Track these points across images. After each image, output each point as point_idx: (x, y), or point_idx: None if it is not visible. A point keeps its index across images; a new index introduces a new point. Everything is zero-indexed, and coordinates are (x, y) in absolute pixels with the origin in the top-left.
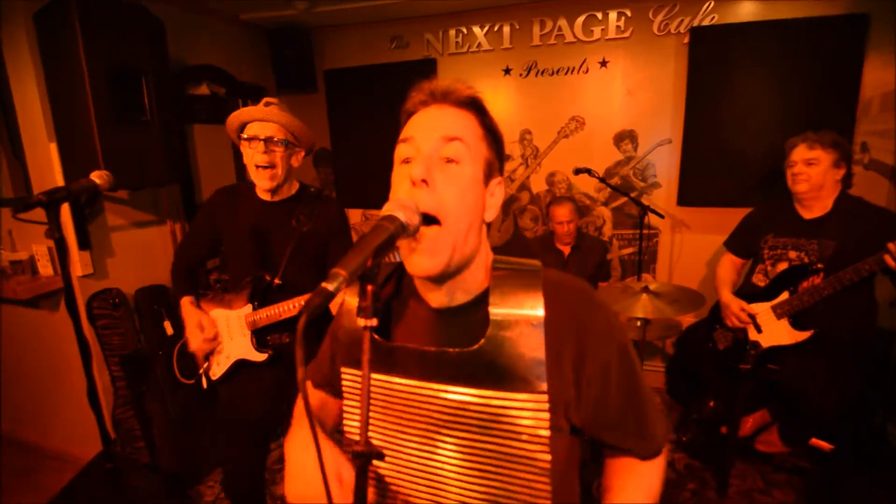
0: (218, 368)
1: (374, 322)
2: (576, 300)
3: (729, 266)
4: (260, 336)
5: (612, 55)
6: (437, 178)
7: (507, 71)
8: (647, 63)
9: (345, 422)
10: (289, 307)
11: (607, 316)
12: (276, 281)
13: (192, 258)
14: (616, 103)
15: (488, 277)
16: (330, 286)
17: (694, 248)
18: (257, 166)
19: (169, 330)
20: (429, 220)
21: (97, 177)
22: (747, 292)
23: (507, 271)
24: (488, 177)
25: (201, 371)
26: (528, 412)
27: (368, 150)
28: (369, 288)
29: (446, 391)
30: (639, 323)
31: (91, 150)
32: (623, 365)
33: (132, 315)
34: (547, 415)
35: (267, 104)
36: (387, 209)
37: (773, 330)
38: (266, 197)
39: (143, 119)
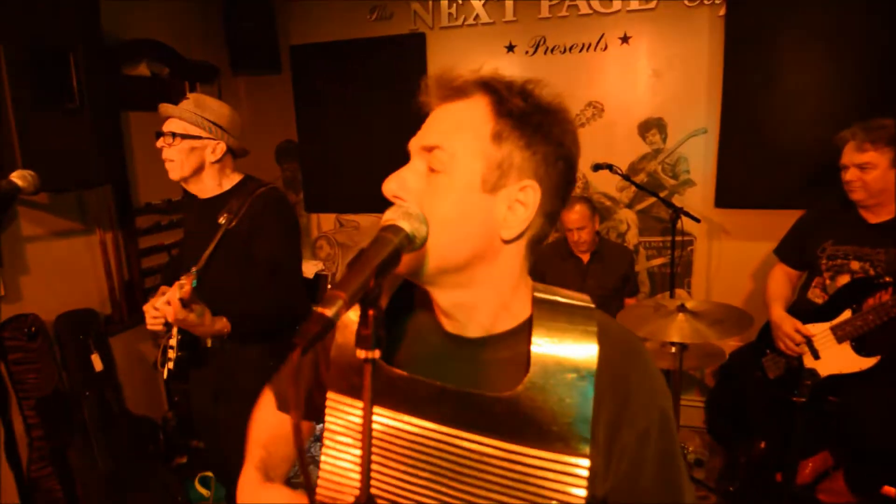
0: (171, 363)
1: (376, 354)
2: (622, 352)
3: (781, 278)
4: (187, 334)
5: (636, 29)
6: (413, 191)
7: (511, 48)
8: (677, 38)
9: (324, 461)
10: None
11: (653, 375)
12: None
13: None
14: (640, 86)
15: (516, 310)
16: (328, 311)
17: (736, 257)
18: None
19: (98, 365)
20: None
21: (18, 178)
22: (802, 310)
23: (552, 304)
24: (498, 184)
25: (160, 362)
26: (563, 476)
27: (343, 143)
28: (371, 313)
29: (464, 438)
30: (673, 349)
31: (7, 145)
32: (663, 436)
33: (52, 347)
34: (584, 483)
35: (182, 100)
36: (389, 217)
37: (834, 355)
38: (199, 195)
39: (71, 106)
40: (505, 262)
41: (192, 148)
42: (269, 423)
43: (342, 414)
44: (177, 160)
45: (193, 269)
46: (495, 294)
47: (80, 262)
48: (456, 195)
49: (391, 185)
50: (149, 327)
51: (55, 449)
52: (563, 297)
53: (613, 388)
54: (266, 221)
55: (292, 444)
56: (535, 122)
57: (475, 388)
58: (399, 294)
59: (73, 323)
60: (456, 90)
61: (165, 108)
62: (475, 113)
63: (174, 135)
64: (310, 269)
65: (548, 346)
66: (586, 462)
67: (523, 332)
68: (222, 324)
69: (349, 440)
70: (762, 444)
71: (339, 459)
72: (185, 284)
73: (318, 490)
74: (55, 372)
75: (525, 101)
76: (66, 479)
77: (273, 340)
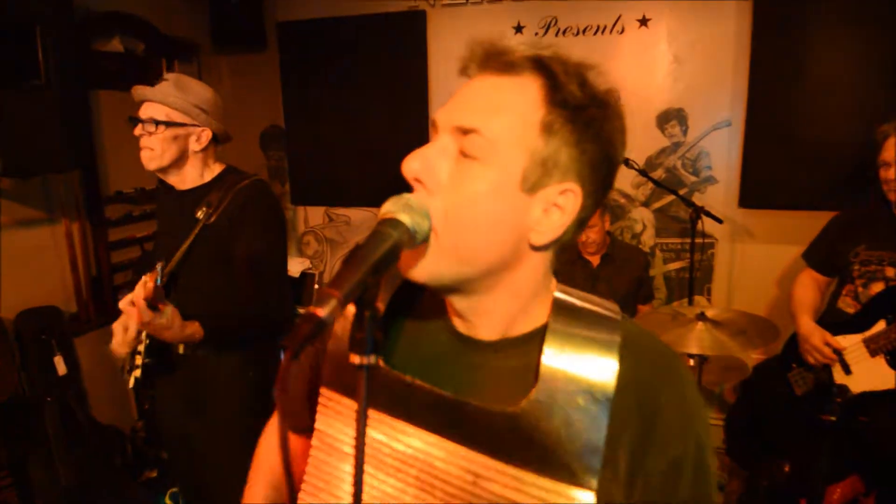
0: (138, 371)
1: (372, 360)
2: (653, 367)
3: (809, 285)
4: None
5: (655, 11)
6: (439, 177)
7: (519, 29)
8: (700, 22)
9: (311, 461)
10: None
11: (689, 396)
12: (159, 280)
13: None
14: (660, 74)
15: (535, 314)
16: (321, 311)
17: (761, 262)
18: (140, 149)
19: (61, 368)
20: None
21: None
22: (832, 320)
23: (572, 310)
24: (538, 184)
25: (128, 368)
26: None
27: (334, 129)
28: (367, 314)
29: (458, 455)
30: (692, 361)
31: None
32: (699, 466)
33: (11, 348)
34: None
35: (160, 81)
36: (387, 210)
37: (866, 370)
38: (177, 186)
39: (36, 83)
40: (529, 268)
41: (176, 136)
42: (276, 449)
43: (333, 413)
44: (157, 149)
45: (158, 266)
46: (515, 300)
47: (44, 255)
48: (491, 190)
49: (413, 165)
50: (114, 349)
51: (14, 460)
52: (587, 302)
53: (640, 408)
54: (248, 217)
55: (302, 466)
56: (589, 116)
57: (479, 397)
58: (405, 285)
59: (34, 321)
60: (505, 64)
61: (142, 90)
62: (525, 96)
63: (157, 122)
64: (296, 267)
65: (559, 359)
66: (591, 498)
67: (537, 339)
68: (193, 328)
69: (338, 443)
70: (786, 467)
71: (325, 464)
72: (148, 282)
73: (302, 489)
74: (14, 375)
75: (582, 90)
76: (25, 493)
77: (253, 347)
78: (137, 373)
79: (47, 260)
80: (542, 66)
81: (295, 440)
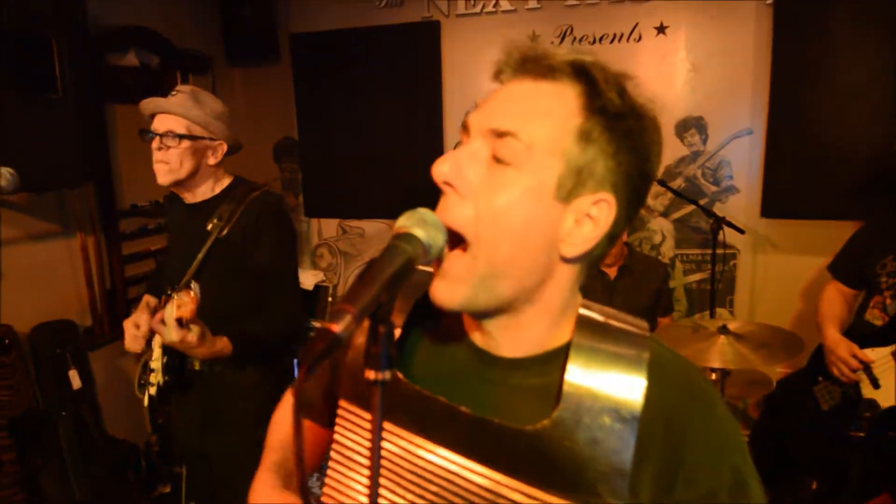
0: (152, 387)
1: (387, 376)
2: (682, 391)
3: (836, 298)
4: (172, 355)
5: (673, 18)
6: (471, 182)
7: (534, 38)
8: (720, 29)
9: (329, 473)
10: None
11: (722, 423)
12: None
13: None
14: (678, 82)
15: (560, 331)
16: (337, 327)
17: (784, 274)
18: (154, 163)
19: (75, 382)
20: (454, 238)
21: None
22: (860, 333)
23: (598, 327)
24: (572, 193)
25: (142, 381)
26: None
27: (348, 141)
28: (381, 330)
29: (478, 473)
30: (714, 375)
31: None
32: (737, 496)
33: (26, 362)
34: None
35: (175, 93)
36: (402, 224)
37: None
38: (187, 199)
39: (53, 97)
40: (558, 281)
41: (195, 149)
42: (289, 424)
43: (351, 426)
44: (174, 162)
45: (194, 284)
46: (543, 315)
47: (59, 269)
48: (523, 197)
49: (443, 168)
50: (127, 347)
51: (28, 474)
52: (613, 318)
53: (667, 435)
54: (262, 230)
55: (312, 449)
56: (627, 126)
57: (499, 414)
58: (426, 298)
59: (49, 335)
60: (544, 69)
61: (158, 102)
62: (563, 102)
63: (178, 136)
64: (309, 279)
65: (584, 377)
66: None
67: (560, 357)
68: (223, 343)
69: (356, 455)
70: (813, 485)
71: (344, 476)
72: (187, 303)
73: (322, 500)
74: (29, 389)
75: (621, 99)
76: None
77: (269, 363)
78: (152, 390)
79: (62, 274)
80: (583, 72)
81: (308, 423)
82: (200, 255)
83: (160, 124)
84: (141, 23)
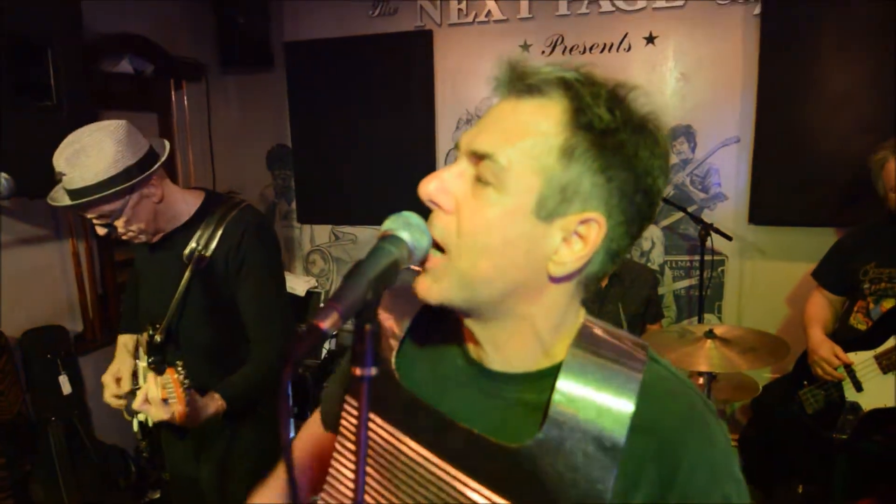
0: (142, 416)
1: (372, 372)
2: (677, 415)
3: (821, 304)
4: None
5: (662, 28)
6: (455, 201)
7: (526, 47)
8: (708, 39)
9: (332, 464)
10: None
11: (717, 449)
12: (157, 336)
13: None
14: (667, 91)
15: (555, 349)
16: (324, 323)
17: (771, 280)
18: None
19: (66, 388)
20: (437, 246)
21: None
22: (844, 338)
23: (594, 346)
24: (555, 212)
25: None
26: None
27: (341, 149)
28: (367, 328)
29: (464, 483)
30: (701, 380)
31: None
32: None
33: (16, 367)
34: None
35: (59, 177)
36: (388, 227)
37: (878, 387)
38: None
39: (47, 104)
40: (549, 300)
41: (137, 202)
42: (306, 440)
43: (354, 420)
44: (138, 224)
45: (179, 364)
46: (532, 334)
47: (50, 274)
48: (503, 216)
49: (429, 188)
50: (107, 400)
51: (17, 479)
52: (612, 337)
53: (660, 459)
54: (247, 255)
55: (323, 466)
56: (618, 141)
57: (491, 427)
58: (428, 307)
59: (40, 340)
60: (529, 87)
61: (56, 197)
62: (546, 119)
63: (117, 212)
64: (301, 285)
65: (571, 401)
66: None
67: (554, 376)
68: (216, 406)
69: (355, 450)
70: (800, 488)
71: (344, 467)
72: (168, 383)
73: (323, 492)
74: (19, 394)
75: (611, 114)
76: None
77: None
78: (142, 416)
79: (53, 279)
80: (568, 86)
81: (327, 438)
82: (181, 288)
83: (91, 214)
84: (135, 30)
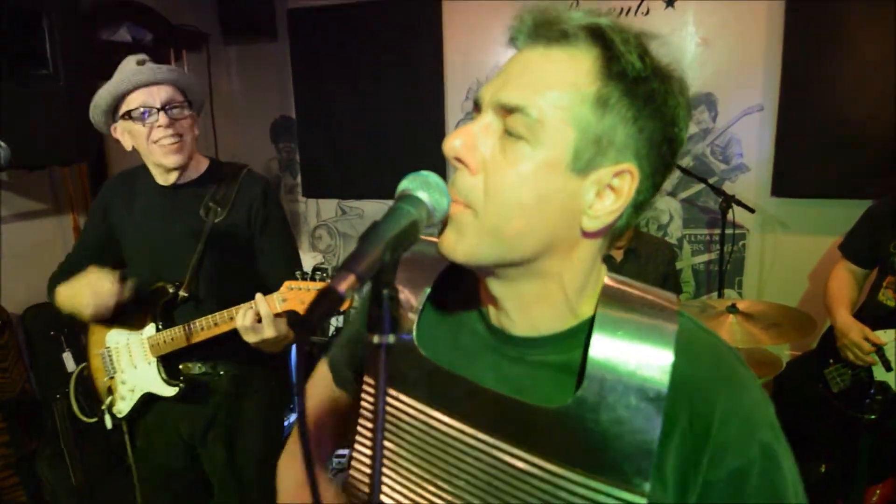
0: (123, 404)
1: (391, 339)
2: (710, 366)
3: (846, 279)
4: (169, 364)
5: None
6: (483, 157)
7: None
8: (730, 2)
9: (356, 449)
10: (200, 326)
11: (752, 399)
12: (182, 293)
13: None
14: (687, 57)
15: (581, 307)
16: (341, 285)
17: (794, 254)
18: (158, 142)
19: (70, 365)
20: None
21: None
22: (872, 314)
23: (624, 301)
24: (590, 164)
25: (104, 406)
26: None
27: (347, 119)
28: (385, 293)
29: (501, 449)
30: None
31: None
32: (767, 475)
33: (19, 344)
34: None
35: (140, 62)
36: (405, 186)
37: None
38: (166, 180)
39: (44, 73)
40: (580, 255)
41: (193, 120)
42: (319, 397)
43: (373, 401)
44: (187, 136)
45: (290, 282)
46: (561, 291)
47: (52, 249)
48: (537, 171)
49: (454, 144)
50: (91, 310)
51: (22, 458)
52: (640, 290)
53: (693, 412)
54: (273, 211)
55: (341, 421)
56: (649, 90)
57: (519, 391)
58: (450, 272)
59: (42, 317)
60: (558, 34)
61: (148, 74)
62: (578, 68)
63: (186, 102)
64: (308, 261)
65: (608, 354)
66: (643, 501)
67: (582, 333)
68: (286, 327)
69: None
70: (823, 468)
71: (369, 449)
72: (285, 297)
73: (350, 474)
74: (23, 371)
75: (642, 61)
76: (34, 491)
77: (273, 359)
78: (118, 408)
79: (55, 254)
80: (599, 35)
81: (340, 398)
82: (200, 244)
83: (150, 98)
84: None
